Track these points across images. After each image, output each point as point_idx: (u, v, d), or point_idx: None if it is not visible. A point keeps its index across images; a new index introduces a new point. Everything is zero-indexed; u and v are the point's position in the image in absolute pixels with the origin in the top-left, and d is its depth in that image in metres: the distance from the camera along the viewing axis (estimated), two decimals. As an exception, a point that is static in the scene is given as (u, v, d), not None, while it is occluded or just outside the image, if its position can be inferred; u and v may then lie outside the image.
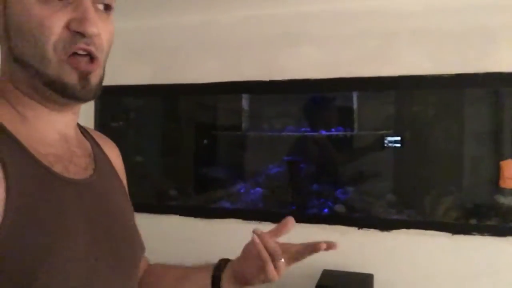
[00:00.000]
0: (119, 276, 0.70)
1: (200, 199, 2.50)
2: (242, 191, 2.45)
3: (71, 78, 0.62)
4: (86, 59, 0.63)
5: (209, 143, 2.57)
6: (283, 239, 2.18)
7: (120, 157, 0.89)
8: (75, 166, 0.68)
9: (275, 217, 2.20)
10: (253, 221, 2.24)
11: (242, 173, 2.54)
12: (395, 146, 2.20)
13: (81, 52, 0.62)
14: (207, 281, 0.88)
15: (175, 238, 2.29)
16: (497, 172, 1.96)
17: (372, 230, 2.04)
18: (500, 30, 1.88)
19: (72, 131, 0.73)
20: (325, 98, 2.39)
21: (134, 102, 2.66)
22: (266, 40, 2.23)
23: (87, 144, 0.77)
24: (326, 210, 2.27)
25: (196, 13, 2.26)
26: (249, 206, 2.40)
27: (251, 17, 2.23)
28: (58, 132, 0.69)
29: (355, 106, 2.36)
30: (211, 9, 2.21)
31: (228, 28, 2.29)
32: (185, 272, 0.93)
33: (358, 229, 2.07)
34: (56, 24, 0.60)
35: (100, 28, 0.63)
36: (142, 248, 0.80)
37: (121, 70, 2.45)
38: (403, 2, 1.99)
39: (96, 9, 0.64)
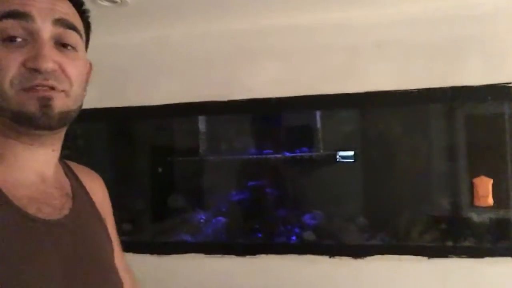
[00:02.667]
0: None
1: (157, 233, 2.27)
2: (202, 221, 2.26)
3: (31, 106, 0.64)
4: (46, 88, 0.65)
5: (165, 169, 2.36)
6: (250, 271, 2.00)
7: (105, 191, 0.91)
8: (50, 207, 0.69)
9: (240, 249, 2.05)
10: (216, 255, 2.05)
11: (202, 201, 2.35)
12: (349, 165, 2.11)
13: (39, 89, 0.64)
14: None
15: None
16: (470, 189, 1.88)
17: (344, 258, 1.90)
18: (467, 43, 1.83)
19: (50, 170, 0.74)
20: (287, 117, 2.26)
21: (80, 128, 2.42)
22: (223, 58, 2.08)
23: (67, 183, 0.78)
24: (294, 238, 2.12)
25: (146, 30, 2.09)
26: (211, 238, 2.21)
27: (206, 33, 2.08)
28: (35, 172, 0.70)
29: (318, 125, 2.24)
30: (163, 25, 2.04)
31: (182, 45, 2.12)
32: None
33: (330, 257, 1.92)
34: (12, 63, 0.63)
35: (63, 64, 0.66)
36: (121, 286, 0.80)
37: (64, 94, 2.22)
38: (367, 15, 1.90)
39: (58, 48, 0.67)
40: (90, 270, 0.72)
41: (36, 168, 0.71)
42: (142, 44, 2.15)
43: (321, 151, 2.23)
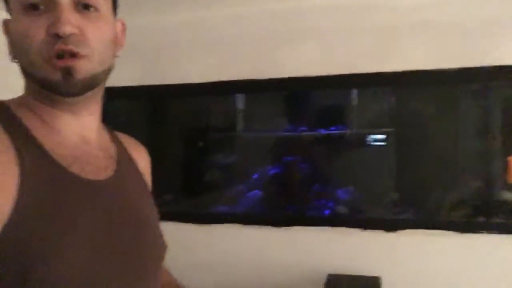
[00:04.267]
0: (136, 274, 0.71)
1: (196, 204, 2.40)
2: (239, 193, 2.36)
3: (54, 75, 0.65)
4: (68, 58, 0.66)
5: (204, 145, 2.47)
6: (284, 242, 2.10)
7: (149, 162, 0.92)
8: (93, 167, 0.71)
9: (274, 220, 2.15)
10: (252, 225, 2.16)
11: (239, 175, 2.45)
12: (382, 144, 2.16)
13: (59, 54, 0.65)
14: None
15: (171, 245, 2.19)
16: (501, 168, 1.91)
17: (377, 231, 1.97)
18: (504, 23, 1.83)
19: (92, 133, 0.75)
20: (323, 95, 2.32)
21: (124, 105, 2.54)
22: (260, 37, 2.15)
23: (111, 148, 0.80)
24: (327, 212, 2.20)
25: (187, 10, 2.17)
26: (247, 210, 2.31)
27: (245, 14, 2.15)
28: (77, 134, 0.72)
29: (354, 103, 2.29)
30: (203, 6, 2.12)
31: (221, 25, 2.20)
32: None
33: (363, 230, 1.99)
34: (37, 31, 0.65)
35: (84, 27, 0.66)
36: (163, 246, 0.81)
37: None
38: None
39: (78, 11, 0.67)
40: (130, 230, 0.73)
41: (77, 131, 0.72)
42: (183, 25, 2.24)
43: (355, 129, 2.28)
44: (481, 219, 1.90)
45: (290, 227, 2.11)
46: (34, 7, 0.65)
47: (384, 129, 2.22)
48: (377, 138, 2.22)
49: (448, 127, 2.10)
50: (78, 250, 0.62)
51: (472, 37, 1.88)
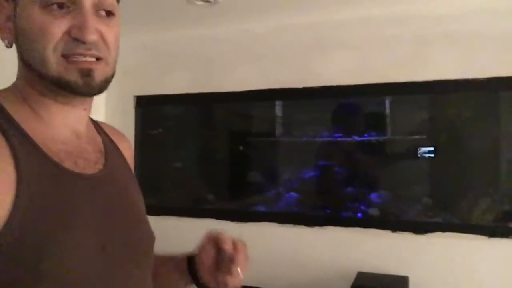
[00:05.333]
0: (130, 264, 0.73)
1: (236, 204, 2.57)
2: (277, 195, 2.51)
3: (71, 75, 0.66)
4: (88, 59, 0.67)
5: (245, 149, 2.65)
6: (318, 241, 2.21)
7: (132, 151, 0.92)
8: (85, 161, 0.72)
9: (309, 220, 2.28)
10: (288, 225, 2.30)
11: (277, 178, 2.60)
12: (428, 156, 2.21)
13: (77, 58, 0.66)
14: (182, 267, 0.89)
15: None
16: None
17: (406, 233, 2.05)
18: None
19: (83, 127, 0.76)
20: (358, 103, 2.43)
21: (172, 110, 2.77)
22: (299, 48, 2.30)
23: (99, 139, 0.80)
24: (359, 215, 2.30)
25: (232, 23, 2.36)
26: (285, 210, 2.46)
27: (285, 26, 2.31)
28: (70, 128, 0.73)
29: (387, 111, 2.38)
30: (246, 19, 2.30)
31: (262, 37, 2.38)
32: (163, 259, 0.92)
33: (392, 232, 2.08)
34: (57, 30, 0.65)
35: (104, 33, 0.68)
36: (152, 237, 0.82)
37: (159, 80, 2.58)
38: (435, 6, 2.02)
39: (98, 16, 0.67)
40: (124, 222, 0.75)
41: (70, 125, 0.73)
42: (228, 37, 2.43)
43: (389, 135, 2.37)
44: (511, 224, 1.94)
45: (324, 227, 2.24)
46: (59, 5, 0.65)
47: (417, 136, 2.29)
48: (425, 149, 2.24)
49: (481, 134, 2.15)
50: (76, 244, 0.63)
51: (502, 47, 1.94)
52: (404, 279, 1.93)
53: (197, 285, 0.88)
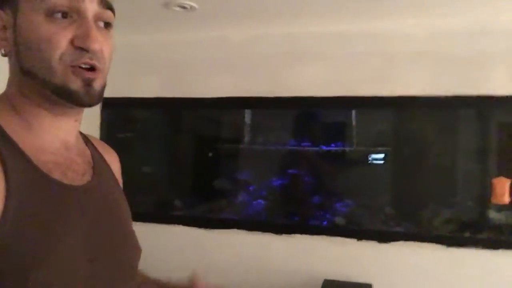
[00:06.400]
0: (116, 276, 0.74)
1: (203, 210, 2.57)
2: (244, 202, 2.53)
3: (75, 85, 0.67)
4: (89, 70, 0.69)
5: (213, 155, 2.65)
6: (285, 248, 2.25)
7: (119, 164, 0.93)
8: (73, 173, 0.72)
9: (277, 228, 2.32)
10: (256, 232, 2.32)
11: (245, 185, 2.62)
12: (379, 163, 2.35)
13: (83, 66, 0.68)
14: None
15: (179, 247, 2.36)
16: (489, 188, 2.07)
17: (371, 241, 2.13)
18: (494, 56, 2.02)
19: (73, 139, 0.77)
20: (326, 115, 2.50)
21: (140, 114, 2.73)
22: (272, 58, 2.34)
23: (87, 151, 0.81)
24: (325, 222, 2.36)
25: (206, 30, 2.36)
26: (252, 217, 2.48)
27: (259, 35, 2.34)
28: (60, 139, 0.73)
29: (354, 123, 2.47)
30: (221, 26, 2.31)
31: (236, 45, 2.40)
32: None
33: (358, 240, 2.16)
34: (62, 40, 0.66)
35: (102, 43, 0.69)
36: (138, 249, 0.83)
37: (129, 83, 2.53)
38: (404, 26, 2.12)
39: (98, 27, 0.69)
40: (111, 234, 0.75)
41: (60, 136, 0.73)
42: (202, 43, 2.43)
43: (354, 146, 2.46)
44: (468, 234, 2.06)
45: (291, 235, 2.28)
46: (62, 15, 0.66)
47: (381, 148, 2.40)
48: (375, 157, 2.41)
49: (441, 148, 2.28)
50: (64, 258, 0.63)
51: (466, 68, 2.06)
52: (368, 287, 2.00)
53: None
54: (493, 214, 2.08)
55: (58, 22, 0.66)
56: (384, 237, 2.11)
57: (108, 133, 2.58)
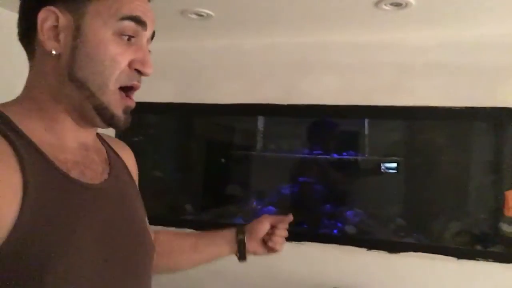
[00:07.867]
0: (130, 275, 0.75)
1: (214, 215, 2.59)
2: (255, 208, 2.55)
3: (118, 110, 0.71)
4: (133, 98, 0.74)
5: (226, 161, 2.68)
6: (295, 256, 2.26)
7: (135, 161, 0.96)
8: (92, 171, 0.74)
9: (288, 235, 2.31)
10: (266, 238, 2.33)
11: (256, 191, 2.63)
12: (391, 172, 2.35)
13: (130, 95, 0.73)
14: (229, 245, 1.17)
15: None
16: (501, 201, 2.06)
17: (381, 251, 2.13)
18: (509, 68, 2.01)
19: (91, 140, 0.79)
20: (339, 123, 2.51)
21: (154, 119, 2.77)
22: (286, 66, 2.36)
23: (103, 150, 0.83)
24: (335, 231, 2.36)
25: (221, 38, 2.39)
26: (262, 224, 2.49)
27: (273, 44, 2.37)
28: (79, 142, 0.75)
29: (366, 132, 2.47)
30: (236, 35, 2.34)
31: (250, 53, 2.42)
32: (198, 240, 1.16)
33: (368, 250, 2.15)
34: (124, 61, 0.71)
35: None
36: (153, 248, 0.86)
37: (144, 88, 2.56)
38: (418, 37, 2.12)
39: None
40: (126, 233, 0.76)
41: (80, 139, 0.75)
42: (217, 50, 2.46)
43: (367, 155, 2.47)
44: (479, 247, 2.05)
45: (301, 242, 2.28)
46: (128, 38, 0.72)
47: (394, 158, 2.40)
48: (387, 166, 2.41)
49: (455, 160, 2.27)
50: (81, 257, 0.64)
51: (480, 79, 2.06)
52: (377, 297, 2.00)
53: (239, 252, 1.17)
54: (505, 227, 2.06)
55: (123, 43, 0.71)
56: (394, 247, 2.10)
57: (124, 136, 2.60)
